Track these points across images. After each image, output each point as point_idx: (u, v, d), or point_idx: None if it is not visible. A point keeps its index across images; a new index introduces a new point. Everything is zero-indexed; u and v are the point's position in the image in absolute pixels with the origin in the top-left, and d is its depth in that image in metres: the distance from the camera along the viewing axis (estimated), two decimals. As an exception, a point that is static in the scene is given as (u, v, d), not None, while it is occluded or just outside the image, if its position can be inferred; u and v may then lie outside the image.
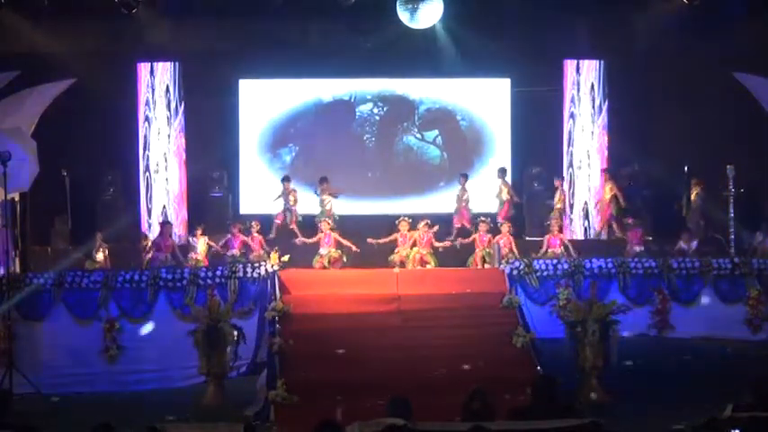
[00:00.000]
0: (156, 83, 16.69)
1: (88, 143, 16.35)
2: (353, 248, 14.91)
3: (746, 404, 6.54)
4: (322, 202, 16.02)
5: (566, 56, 16.97)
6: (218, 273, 12.66)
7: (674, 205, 16.32)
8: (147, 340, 12.25)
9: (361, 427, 6.26)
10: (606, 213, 16.31)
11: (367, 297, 12.86)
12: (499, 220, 15.67)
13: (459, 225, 16.02)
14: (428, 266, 14.56)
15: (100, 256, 14.47)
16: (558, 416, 6.51)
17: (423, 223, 14.94)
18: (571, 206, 16.92)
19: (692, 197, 16.30)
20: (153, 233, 15.85)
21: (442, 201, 16.67)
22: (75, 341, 12.18)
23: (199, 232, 14.90)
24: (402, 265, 14.48)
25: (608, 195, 16.27)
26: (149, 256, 14.61)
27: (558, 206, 16.22)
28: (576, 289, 13.11)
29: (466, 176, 16.51)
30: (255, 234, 14.89)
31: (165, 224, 15.31)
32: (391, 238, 15.04)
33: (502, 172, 16.51)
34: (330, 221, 15.11)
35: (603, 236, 16.65)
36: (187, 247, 15.08)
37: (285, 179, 16.35)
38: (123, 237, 15.58)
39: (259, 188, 17.54)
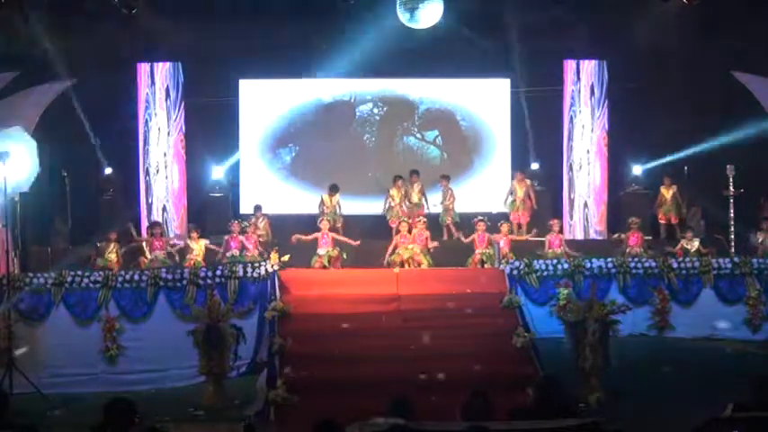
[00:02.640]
0: (156, 83, 16.70)
1: (88, 143, 16.35)
2: (353, 243, 14.94)
3: (746, 404, 6.54)
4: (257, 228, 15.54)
5: (566, 56, 16.97)
6: (218, 273, 12.65)
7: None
8: (147, 340, 12.23)
9: (362, 427, 6.26)
10: (528, 214, 16.28)
11: (367, 297, 12.84)
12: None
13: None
14: (422, 266, 14.55)
15: (112, 255, 14.48)
16: (559, 416, 6.51)
17: (419, 220, 14.97)
18: (571, 206, 16.98)
19: (669, 197, 16.36)
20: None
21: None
22: (75, 341, 12.16)
23: (195, 235, 14.90)
24: (402, 264, 14.48)
25: (521, 194, 16.30)
26: (145, 259, 14.60)
27: (448, 204, 16.26)
28: (575, 289, 13.11)
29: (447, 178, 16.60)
30: (251, 234, 14.90)
31: (155, 225, 15.32)
32: (394, 244, 14.99)
33: (398, 177, 16.40)
34: (327, 223, 15.05)
35: (603, 236, 16.69)
36: (185, 249, 15.06)
37: (333, 189, 16.17)
38: (123, 236, 15.55)
39: (259, 188, 17.56)
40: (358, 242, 15.01)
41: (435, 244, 14.97)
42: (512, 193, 16.49)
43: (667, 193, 16.45)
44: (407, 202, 16.18)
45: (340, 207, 16.16)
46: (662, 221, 16.51)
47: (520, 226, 16.18)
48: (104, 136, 16.55)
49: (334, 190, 16.21)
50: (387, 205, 16.22)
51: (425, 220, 15.14)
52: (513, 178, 16.70)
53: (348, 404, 9.25)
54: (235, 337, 11.08)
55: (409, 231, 14.78)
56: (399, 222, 15.20)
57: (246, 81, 17.72)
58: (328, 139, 17.96)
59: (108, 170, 16.97)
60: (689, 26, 16.00)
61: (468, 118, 18.05)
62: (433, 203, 16.39)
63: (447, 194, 16.36)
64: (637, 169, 17.34)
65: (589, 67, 16.97)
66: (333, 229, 15.28)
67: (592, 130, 16.98)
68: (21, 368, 11.39)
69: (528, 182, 16.51)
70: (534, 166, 17.46)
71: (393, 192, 16.17)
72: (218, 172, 17.36)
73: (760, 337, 13.32)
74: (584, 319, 10.81)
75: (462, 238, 15.21)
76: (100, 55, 15.88)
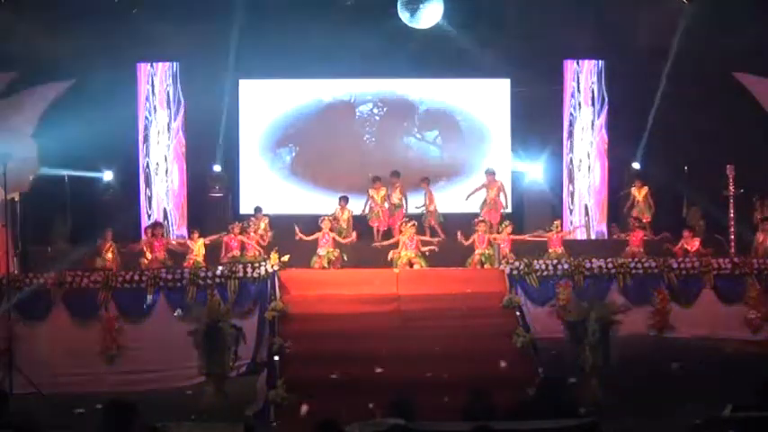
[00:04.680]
0: (156, 83, 16.69)
1: (88, 143, 16.33)
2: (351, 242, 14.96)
3: (746, 404, 6.55)
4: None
5: (566, 56, 16.97)
6: (218, 273, 12.65)
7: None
8: (147, 340, 12.23)
9: (362, 427, 6.27)
10: (498, 214, 16.17)
11: (367, 297, 12.87)
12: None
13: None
14: (415, 267, 14.55)
15: (109, 255, 14.49)
16: (559, 416, 6.51)
17: (409, 225, 14.93)
18: (570, 208, 16.99)
19: (641, 198, 16.35)
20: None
21: (442, 200, 16.63)
22: (75, 341, 12.16)
23: (195, 235, 14.91)
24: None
25: (492, 195, 16.21)
26: (145, 260, 14.60)
27: (431, 208, 16.15)
28: (575, 289, 13.11)
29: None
30: (252, 234, 14.90)
31: (156, 225, 15.31)
32: (394, 240, 15.05)
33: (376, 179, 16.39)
34: (328, 223, 15.03)
35: (604, 235, 16.70)
36: (185, 250, 15.06)
37: (344, 200, 16.03)
38: (123, 237, 15.56)
39: (259, 188, 17.56)
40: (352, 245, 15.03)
41: (434, 248, 14.95)
42: (483, 191, 16.33)
43: (639, 194, 16.44)
44: (387, 203, 16.19)
45: (351, 221, 16.05)
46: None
47: (491, 225, 16.04)
48: (104, 136, 16.52)
49: (345, 200, 16.04)
50: (367, 207, 16.22)
51: (415, 223, 15.07)
52: (486, 179, 16.48)
53: (348, 404, 9.26)
54: (235, 338, 11.08)
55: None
56: (402, 223, 15.21)
57: (246, 81, 17.70)
58: (328, 139, 17.95)
59: (108, 171, 16.96)
60: (689, 26, 15.99)
61: (468, 118, 18.04)
62: (416, 206, 16.25)
63: (427, 197, 16.30)
64: (636, 166, 17.33)
65: (589, 66, 16.98)
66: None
67: (592, 130, 16.98)
68: (21, 368, 11.39)
69: (499, 183, 16.41)
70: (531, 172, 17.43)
71: (372, 192, 16.17)
72: (217, 167, 17.32)
73: (760, 337, 13.33)
74: (585, 319, 10.82)
75: (463, 241, 14.98)
76: (100, 55, 15.86)
